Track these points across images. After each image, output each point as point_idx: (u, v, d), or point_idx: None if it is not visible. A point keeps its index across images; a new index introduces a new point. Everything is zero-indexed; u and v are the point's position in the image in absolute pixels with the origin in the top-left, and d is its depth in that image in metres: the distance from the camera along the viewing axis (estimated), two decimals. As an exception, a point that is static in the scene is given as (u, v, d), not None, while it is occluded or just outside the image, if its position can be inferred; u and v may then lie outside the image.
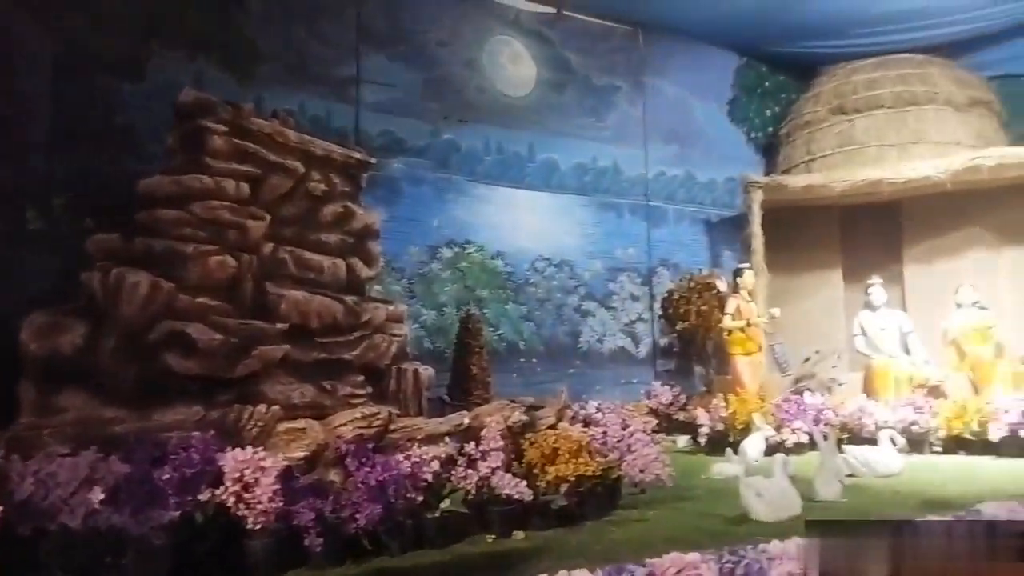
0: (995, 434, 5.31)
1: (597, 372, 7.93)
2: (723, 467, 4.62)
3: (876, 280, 7.63)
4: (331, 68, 6.80)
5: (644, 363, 8.34)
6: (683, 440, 6.29)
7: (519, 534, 3.13)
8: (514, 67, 7.94)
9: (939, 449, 5.63)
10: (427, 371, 5.23)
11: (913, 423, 5.64)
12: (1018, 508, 2.85)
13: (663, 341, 8.45)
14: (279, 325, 4.19)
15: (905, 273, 8.39)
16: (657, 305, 8.41)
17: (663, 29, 8.73)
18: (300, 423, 3.71)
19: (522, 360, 7.51)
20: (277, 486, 2.77)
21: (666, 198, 8.79)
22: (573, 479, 3.37)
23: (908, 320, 7.48)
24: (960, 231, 8.12)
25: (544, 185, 7.97)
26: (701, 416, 5.99)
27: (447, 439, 3.51)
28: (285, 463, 2.99)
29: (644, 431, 4.04)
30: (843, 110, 8.29)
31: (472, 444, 3.34)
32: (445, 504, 3.20)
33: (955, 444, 5.57)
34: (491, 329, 7.15)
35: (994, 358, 6.76)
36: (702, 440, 5.94)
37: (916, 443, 5.59)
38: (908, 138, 7.86)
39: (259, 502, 2.73)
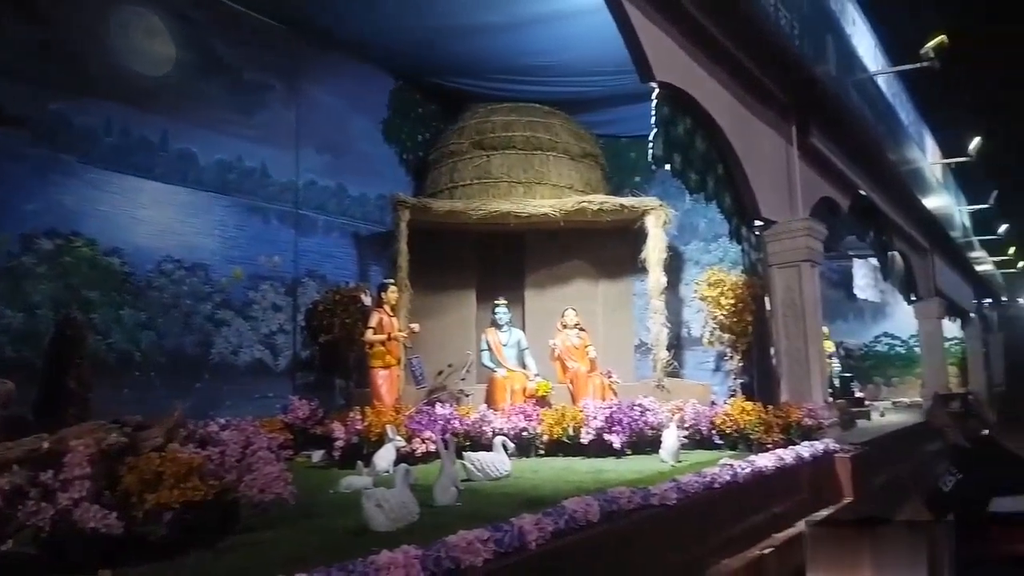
0: (585, 438, 6.21)
1: (229, 386, 7.38)
2: (351, 480, 4.61)
3: (501, 301, 8.48)
4: None
5: (283, 376, 8.02)
6: (318, 455, 6.15)
7: (105, 573, 2.69)
8: (150, 43, 7.08)
9: (543, 452, 6.40)
10: (4, 385, 4.29)
11: (523, 429, 6.33)
12: (592, 502, 3.33)
13: (304, 354, 8.23)
14: None
15: (526, 296, 9.50)
16: (301, 316, 8.18)
17: (321, 39, 8.63)
18: None
19: (137, 373, 6.65)
20: None
21: (317, 207, 8.64)
22: (178, 506, 3.03)
23: (525, 338, 8.43)
24: (569, 263, 9.49)
25: (178, 179, 7.23)
26: (337, 429, 5.92)
27: (16, 467, 2.87)
28: None
29: (269, 448, 3.83)
30: (482, 146, 9.10)
31: (50, 472, 2.80)
32: (8, 544, 2.62)
33: (556, 447, 6.39)
34: (99, 337, 6.20)
35: (588, 372, 7.94)
36: (337, 454, 5.88)
37: (524, 447, 6.29)
38: (533, 178, 8.92)
39: None
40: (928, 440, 8.87)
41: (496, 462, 5.03)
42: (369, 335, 7.22)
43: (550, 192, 8.87)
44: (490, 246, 9.37)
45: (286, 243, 8.24)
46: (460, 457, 4.96)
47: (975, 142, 13.81)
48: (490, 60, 8.77)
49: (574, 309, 8.42)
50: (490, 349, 8.21)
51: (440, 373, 8.34)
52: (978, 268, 18.37)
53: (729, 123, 6.38)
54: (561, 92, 9.20)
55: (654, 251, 8.61)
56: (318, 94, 8.79)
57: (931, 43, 8.90)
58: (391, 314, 7.43)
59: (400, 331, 7.39)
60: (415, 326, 7.51)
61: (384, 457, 5.20)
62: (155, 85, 7.09)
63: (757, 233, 7.14)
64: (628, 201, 8.81)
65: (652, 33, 5.41)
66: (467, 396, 7.61)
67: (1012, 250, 23.34)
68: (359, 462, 5.06)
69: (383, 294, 7.47)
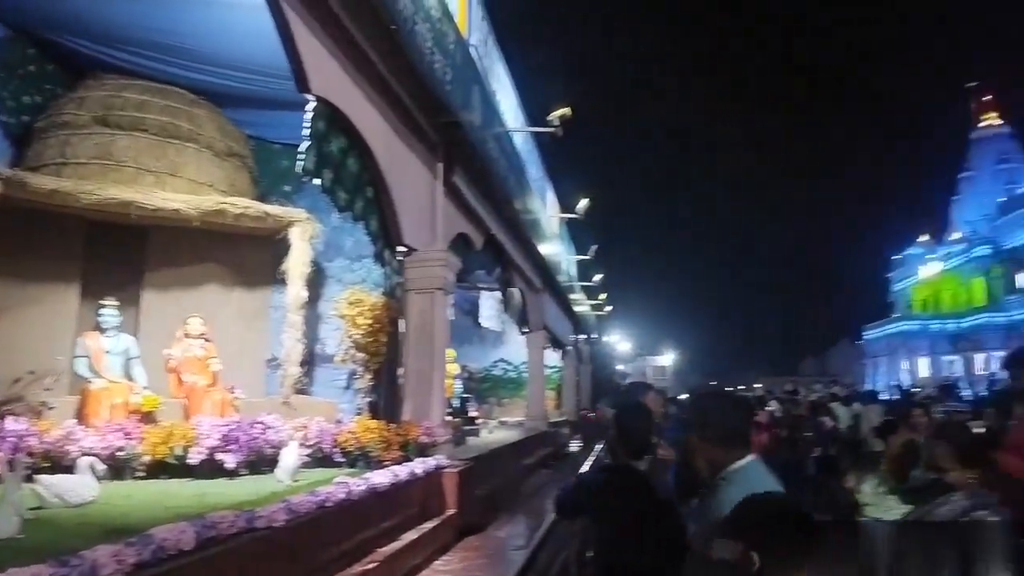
0: (195, 458, 5.72)
1: None
2: None
3: (110, 301, 7.43)
4: None
5: None
6: None
7: None
8: None
9: (142, 474, 5.72)
10: None
11: (120, 449, 5.60)
12: (188, 528, 3.06)
13: None
14: None
15: (144, 298, 8.47)
16: None
17: None
18: None
19: None
20: None
21: None
22: None
23: (136, 345, 7.51)
24: (200, 266, 8.74)
25: None
26: None
27: None
28: None
29: None
30: (107, 123, 7.90)
31: None
32: None
33: (160, 469, 5.76)
34: None
35: (208, 387, 7.37)
36: None
37: (119, 469, 5.56)
38: (166, 169, 8.01)
39: None
40: (524, 456, 10.13)
41: (78, 486, 4.36)
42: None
43: (186, 187, 8.07)
44: (104, 238, 8.14)
45: None
46: (31, 480, 4.20)
47: (583, 203, 16.37)
48: (116, 27, 7.50)
49: (200, 318, 7.77)
50: (88, 356, 7.11)
51: (17, 381, 6.94)
52: (576, 308, 21.80)
53: (382, 150, 6.56)
54: (208, 82, 8.40)
55: (297, 264, 8.40)
56: None
57: (557, 112, 10.36)
58: (-46, 306, 6.00)
59: (-35, 328, 6.00)
60: (-12, 323, 6.17)
61: (-84, 485, 4.13)
62: None
63: (399, 258, 7.44)
64: (274, 210, 8.47)
65: (312, 45, 5.32)
66: (50, 409, 6.46)
67: (603, 296, 28.45)
68: None
69: (-56, 280, 6.01)
